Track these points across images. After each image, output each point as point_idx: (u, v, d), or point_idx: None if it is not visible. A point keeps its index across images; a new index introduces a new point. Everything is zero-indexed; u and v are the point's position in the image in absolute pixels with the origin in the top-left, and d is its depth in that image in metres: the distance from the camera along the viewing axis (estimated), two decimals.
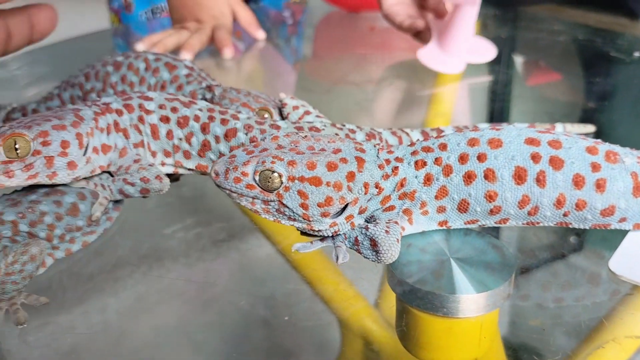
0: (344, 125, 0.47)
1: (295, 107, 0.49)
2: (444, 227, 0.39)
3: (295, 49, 1.14)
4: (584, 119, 0.69)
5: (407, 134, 0.49)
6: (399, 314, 0.38)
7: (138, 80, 0.53)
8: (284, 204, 0.36)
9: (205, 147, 0.43)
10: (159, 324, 0.40)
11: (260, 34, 1.01)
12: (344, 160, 0.36)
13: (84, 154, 0.40)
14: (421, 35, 0.85)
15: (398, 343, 0.58)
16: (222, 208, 0.55)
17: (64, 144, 0.39)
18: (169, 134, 0.43)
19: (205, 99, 0.51)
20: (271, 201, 0.36)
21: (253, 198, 0.36)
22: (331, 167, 0.35)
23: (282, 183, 0.35)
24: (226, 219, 0.52)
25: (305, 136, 0.38)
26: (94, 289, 0.42)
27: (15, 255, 0.36)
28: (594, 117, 0.72)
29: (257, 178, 0.35)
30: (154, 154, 0.44)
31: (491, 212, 0.37)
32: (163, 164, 0.44)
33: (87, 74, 0.54)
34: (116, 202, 0.44)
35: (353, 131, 0.47)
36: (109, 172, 0.44)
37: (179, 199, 0.54)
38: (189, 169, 0.45)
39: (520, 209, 0.36)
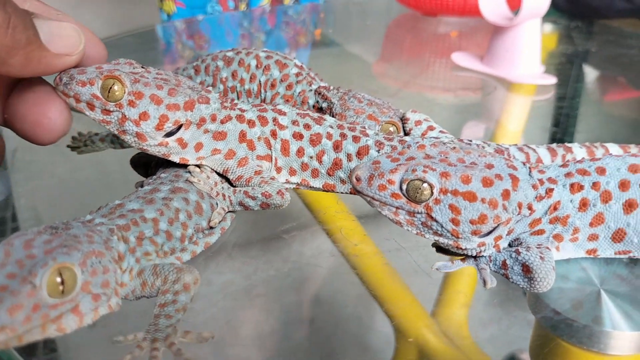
0: (470, 141, 0.45)
1: (418, 122, 0.46)
2: (591, 256, 0.36)
3: None
4: None
5: (534, 150, 0.47)
6: (538, 341, 0.35)
7: (249, 77, 0.51)
8: (432, 218, 0.33)
9: (336, 165, 0.41)
10: (206, 315, 0.38)
11: None
12: (499, 176, 0.33)
13: (165, 136, 0.39)
14: None
15: (456, 356, 0.55)
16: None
17: (143, 116, 0.37)
18: (300, 152, 0.42)
19: (321, 109, 0.49)
20: (418, 213, 0.34)
21: (397, 208, 0.34)
22: (487, 182, 0.33)
23: (432, 195, 0.33)
24: (281, 217, 0.50)
25: (454, 147, 0.35)
26: None
27: (166, 283, 0.34)
28: None
29: (404, 187, 0.33)
30: (278, 170, 0.43)
31: None
32: (287, 182, 0.43)
33: (197, 67, 0.53)
34: None
35: (481, 147, 0.45)
36: (228, 181, 0.42)
37: None
38: (315, 188, 0.43)
39: None
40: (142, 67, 0.39)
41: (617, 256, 0.36)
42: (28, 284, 0.27)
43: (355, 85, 0.93)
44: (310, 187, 0.43)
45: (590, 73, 0.97)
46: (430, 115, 0.50)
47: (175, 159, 0.40)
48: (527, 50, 0.76)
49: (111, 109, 0.37)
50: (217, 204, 0.40)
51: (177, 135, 0.39)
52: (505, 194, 0.33)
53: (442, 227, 0.34)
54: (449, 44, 1.08)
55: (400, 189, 0.34)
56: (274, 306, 0.41)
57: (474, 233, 0.33)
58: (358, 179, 0.35)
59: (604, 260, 0.37)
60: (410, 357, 0.75)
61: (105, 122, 0.38)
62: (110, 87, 0.36)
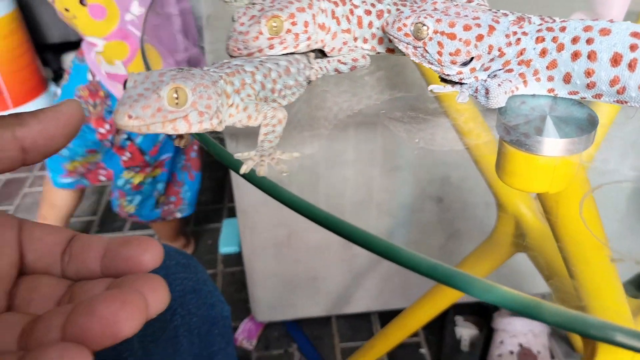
0: (498, 10, 0.57)
1: None
2: (552, 94, 0.49)
3: None
4: None
5: (554, 20, 0.58)
6: (498, 151, 0.49)
7: None
8: (426, 50, 0.48)
9: None
10: (348, 177, 0.51)
11: None
12: (478, 25, 0.47)
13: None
14: None
15: (546, 231, 0.66)
16: (412, 94, 0.66)
17: (306, 24, 0.53)
18: (370, 24, 0.56)
19: None
20: (418, 47, 0.49)
21: (407, 44, 0.50)
22: (466, 28, 0.47)
23: (428, 34, 0.48)
24: (416, 103, 0.64)
25: (457, 4, 0.49)
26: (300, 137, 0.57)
27: (266, 118, 0.49)
28: None
29: (412, 29, 0.48)
30: (355, 40, 0.58)
31: (588, 86, 0.46)
32: (361, 48, 0.58)
33: None
34: None
35: (505, 14, 0.57)
36: (323, 54, 0.58)
37: (376, 78, 0.67)
38: (379, 52, 0.58)
39: (611, 87, 0.45)
40: None
41: (571, 96, 0.48)
42: (155, 94, 0.40)
43: None
44: (376, 51, 0.58)
45: None
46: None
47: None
48: None
49: (282, 35, 0.53)
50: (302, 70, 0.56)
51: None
52: (479, 37, 0.47)
53: (432, 57, 0.48)
54: None
55: (410, 30, 0.49)
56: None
57: (452, 62, 0.48)
58: (387, 23, 0.51)
59: (560, 99, 0.49)
60: (508, 229, 0.92)
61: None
62: (275, 25, 0.51)
